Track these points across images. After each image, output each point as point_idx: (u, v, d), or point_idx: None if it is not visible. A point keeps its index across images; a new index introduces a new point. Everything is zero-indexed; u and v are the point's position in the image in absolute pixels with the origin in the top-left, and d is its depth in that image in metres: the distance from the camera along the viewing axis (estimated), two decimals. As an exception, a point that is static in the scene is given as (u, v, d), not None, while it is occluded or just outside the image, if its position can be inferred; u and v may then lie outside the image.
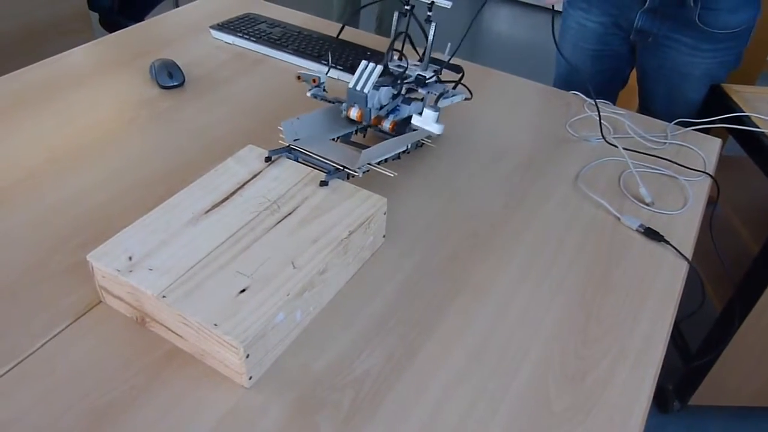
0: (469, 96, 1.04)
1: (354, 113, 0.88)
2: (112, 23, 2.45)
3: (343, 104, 0.89)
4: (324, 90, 0.92)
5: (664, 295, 0.77)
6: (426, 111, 0.89)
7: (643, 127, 1.06)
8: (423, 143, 0.98)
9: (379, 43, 1.29)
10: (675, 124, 1.08)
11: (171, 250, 0.68)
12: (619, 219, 0.87)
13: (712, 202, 0.96)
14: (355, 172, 0.82)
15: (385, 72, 0.93)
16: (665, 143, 1.04)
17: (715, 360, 1.33)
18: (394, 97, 0.90)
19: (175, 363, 0.65)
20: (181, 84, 1.10)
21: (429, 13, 0.93)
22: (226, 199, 0.75)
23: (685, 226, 0.88)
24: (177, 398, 0.61)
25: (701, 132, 1.08)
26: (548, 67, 1.58)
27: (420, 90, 0.93)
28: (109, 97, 1.07)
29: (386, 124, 0.91)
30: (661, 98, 1.30)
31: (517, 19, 3.58)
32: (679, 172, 0.97)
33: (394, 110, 0.92)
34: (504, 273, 0.78)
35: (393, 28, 0.95)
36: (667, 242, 0.84)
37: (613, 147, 1.01)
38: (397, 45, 0.96)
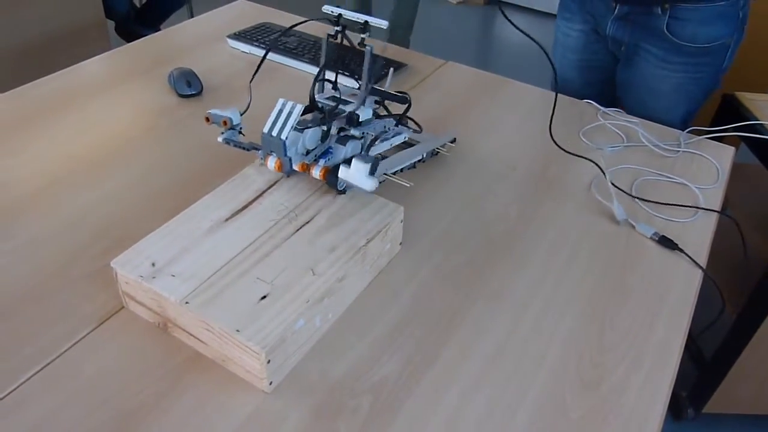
0: (419, 129, 0.91)
1: (272, 163, 0.73)
2: (128, 31, 2.49)
3: (260, 151, 0.75)
4: (240, 131, 0.78)
5: (679, 303, 0.77)
6: (355, 162, 0.72)
7: (657, 136, 1.07)
8: (438, 152, 0.99)
9: (394, 51, 1.31)
10: (688, 132, 1.09)
11: (193, 257, 0.69)
12: (633, 227, 0.88)
13: (723, 210, 0.96)
14: (372, 180, 0.83)
15: (314, 107, 0.79)
16: (678, 151, 1.05)
17: (729, 368, 1.33)
18: (324, 138, 0.76)
19: (197, 368, 0.66)
20: (199, 92, 1.12)
21: (363, 36, 0.78)
22: (245, 207, 0.76)
23: (698, 234, 0.88)
24: (199, 403, 0.62)
25: (714, 140, 1.08)
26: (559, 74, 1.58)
27: (353, 131, 0.79)
28: (128, 105, 1.09)
29: (316, 172, 0.75)
30: (635, 111, 1.22)
31: (528, 26, 3.59)
32: (692, 180, 0.97)
33: (326, 153, 0.77)
34: (520, 280, 0.79)
35: (323, 53, 0.82)
36: (681, 250, 0.84)
37: (628, 155, 1.02)
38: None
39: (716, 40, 1.14)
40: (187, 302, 0.64)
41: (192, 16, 2.55)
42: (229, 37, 1.30)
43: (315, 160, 0.76)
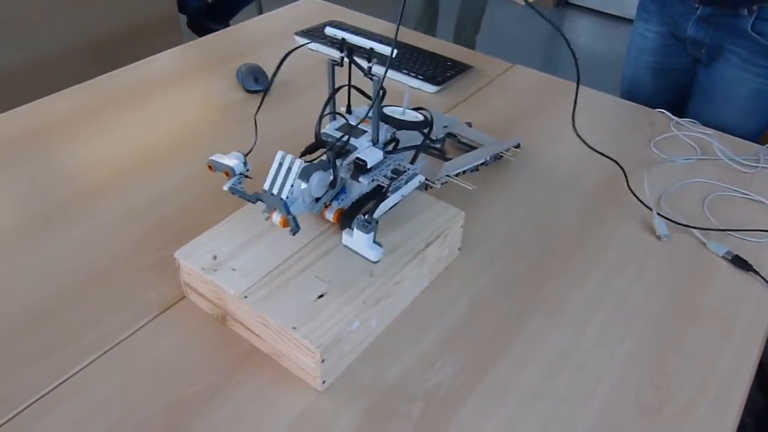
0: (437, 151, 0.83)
1: (277, 219, 0.65)
2: (199, 26, 2.55)
3: (264, 206, 0.67)
4: (246, 176, 0.70)
5: (751, 328, 0.73)
6: (357, 232, 0.67)
7: (733, 149, 1.02)
8: (502, 156, 0.97)
9: (460, 53, 1.29)
10: (768, 147, 1.04)
11: (253, 252, 0.70)
12: (704, 244, 0.84)
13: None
14: (434, 183, 0.82)
15: (321, 144, 0.73)
16: (757, 167, 0.99)
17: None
18: (334, 184, 0.68)
19: (252, 362, 0.66)
20: (266, 89, 1.13)
21: (369, 65, 0.68)
22: (307, 204, 0.77)
23: (775, 255, 0.83)
24: (253, 398, 0.63)
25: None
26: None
27: (361, 179, 0.70)
28: (197, 99, 1.12)
29: (329, 215, 0.71)
30: (706, 119, 1.14)
31: (599, 30, 3.50)
32: (770, 198, 0.93)
33: (339, 194, 0.72)
34: (581, 293, 0.77)
35: (328, 81, 0.73)
36: (756, 272, 0.80)
37: (701, 169, 0.98)
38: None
39: None
40: (246, 296, 0.64)
41: (261, 13, 2.60)
42: (297, 34, 1.31)
43: (326, 205, 0.71)
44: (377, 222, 0.68)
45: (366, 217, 0.68)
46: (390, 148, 0.75)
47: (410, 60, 1.22)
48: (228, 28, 1.38)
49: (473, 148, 0.96)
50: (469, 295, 0.76)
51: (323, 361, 0.61)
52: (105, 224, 0.84)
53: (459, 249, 0.81)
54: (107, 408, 0.62)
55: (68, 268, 0.77)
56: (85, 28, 1.89)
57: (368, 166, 0.69)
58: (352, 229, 0.68)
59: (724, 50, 1.15)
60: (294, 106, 1.10)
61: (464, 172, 0.89)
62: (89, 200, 0.88)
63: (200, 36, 1.36)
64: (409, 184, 0.75)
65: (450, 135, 0.98)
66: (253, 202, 0.68)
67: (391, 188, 0.72)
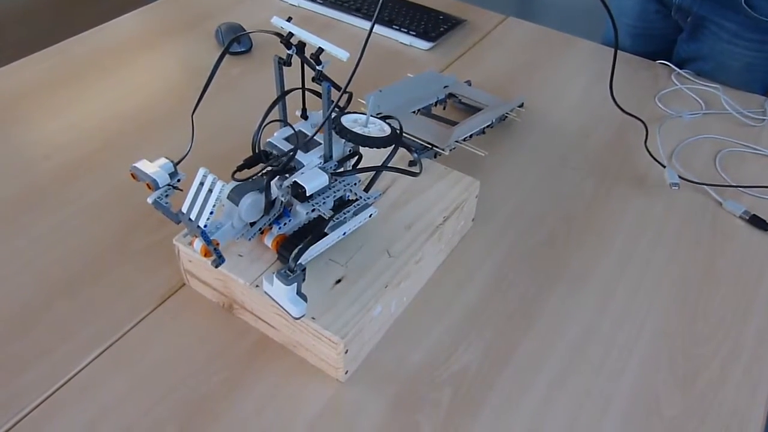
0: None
1: (198, 246, 0.55)
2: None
3: (186, 230, 0.57)
4: (176, 187, 0.57)
5: (776, 290, 0.72)
6: (276, 280, 0.53)
7: (739, 102, 0.99)
8: (507, 116, 0.92)
9: (449, 4, 1.22)
10: (773, 98, 1.01)
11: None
12: (720, 204, 0.81)
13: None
14: (443, 150, 0.77)
15: (261, 158, 0.60)
16: (764, 120, 0.97)
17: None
18: (271, 206, 0.57)
19: (267, 353, 0.62)
20: (249, 50, 1.06)
21: (319, 67, 0.56)
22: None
23: (792, 212, 0.81)
24: (272, 392, 0.59)
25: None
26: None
27: (298, 208, 0.58)
28: (176, 62, 1.04)
29: (268, 241, 0.60)
30: None
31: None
32: (782, 153, 0.90)
33: (279, 218, 0.59)
34: (601, 261, 0.73)
35: (275, 81, 0.60)
36: (775, 231, 0.78)
37: (708, 124, 0.95)
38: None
39: None
40: (257, 285, 0.59)
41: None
42: (277, -12, 1.22)
43: (260, 230, 0.59)
44: (304, 270, 0.54)
45: (289, 263, 0.53)
46: (349, 166, 0.63)
47: (400, 14, 1.15)
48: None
49: (474, 108, 0.91)
50: (487, 268, 0.72)
51: (347, 351, 0.57)
52: (89, 206, 0.77)
53: (473, 220, 0.77)
54: (114, 412, 0.57)
55: (53, 258, 0.71)
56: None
57: (307, 193, 0.56)
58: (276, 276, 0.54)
59: (710, 22, 1.09)
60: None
61: (471, 136, 0.84)
62: (69, 180, 0.81)
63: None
64: (356, 217, 0.62)
65: (450, 95, 0.93)
66: (176, 222, 0.55)
67: (330, 224, 0.58)
